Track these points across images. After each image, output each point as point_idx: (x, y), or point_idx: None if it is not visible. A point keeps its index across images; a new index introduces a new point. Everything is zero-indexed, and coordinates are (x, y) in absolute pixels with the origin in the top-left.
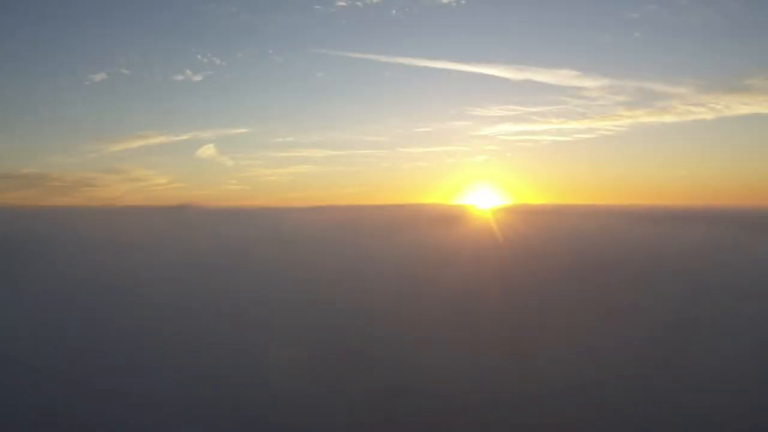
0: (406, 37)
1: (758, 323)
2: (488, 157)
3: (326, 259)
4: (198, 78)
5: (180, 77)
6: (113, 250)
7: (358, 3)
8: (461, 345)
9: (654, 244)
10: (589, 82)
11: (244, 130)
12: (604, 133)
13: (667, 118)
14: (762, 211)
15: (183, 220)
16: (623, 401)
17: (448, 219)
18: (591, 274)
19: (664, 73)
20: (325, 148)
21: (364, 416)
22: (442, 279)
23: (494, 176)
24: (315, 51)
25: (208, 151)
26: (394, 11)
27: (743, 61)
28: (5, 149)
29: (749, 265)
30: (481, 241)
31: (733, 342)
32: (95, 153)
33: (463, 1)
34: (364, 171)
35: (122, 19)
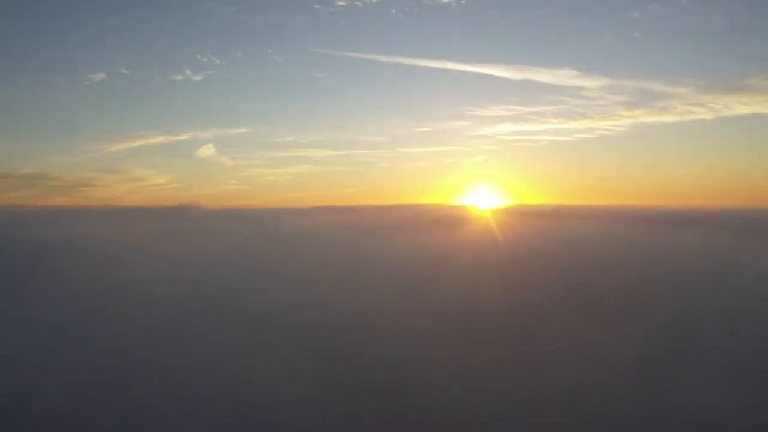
0: (406, 37)
1: (759, 325)
2: (487, 157)
3: (326, 260)
4: (198, 78)
5: (179, 77)
6: (113, 251)
7: (358, 3)
8: (462, 345)
9: (654, 245)
10: (588, 82)
11: (243, 130)
12: (604, 133)
13: (667, 118)
14: (762, 211)
15: (183, 220)
16: (623, 402)
17: (447, 220)
18: (591, 275)
19: (664, 73)
20: (325, 148)
21: (364, 416)
22: (443, 280)
23: (494, 176)
24: (315, 51)
25: (207, 151)
26: (394, 11)
27: (743, 61)
28: (5, 149)
29: (750, 267)
30: (481, 242)
31: (734, 345)
32: (95, 153)
33: (463, 1)
34: (364, 171)
35: (122, 19)
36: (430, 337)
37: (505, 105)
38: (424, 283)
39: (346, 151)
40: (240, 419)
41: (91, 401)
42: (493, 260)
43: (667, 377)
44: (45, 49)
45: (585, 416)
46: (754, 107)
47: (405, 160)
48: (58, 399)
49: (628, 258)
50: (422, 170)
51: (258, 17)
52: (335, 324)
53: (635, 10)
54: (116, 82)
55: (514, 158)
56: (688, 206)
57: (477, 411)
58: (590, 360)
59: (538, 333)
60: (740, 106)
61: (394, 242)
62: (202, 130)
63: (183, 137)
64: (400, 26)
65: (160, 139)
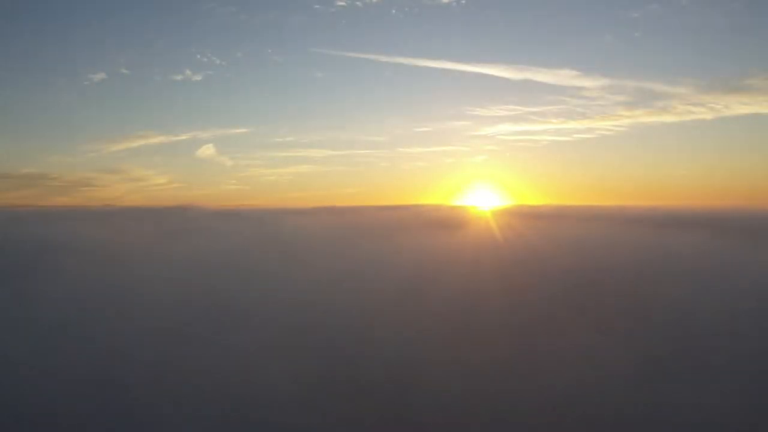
0: (406, 37)
1: (759, 328)
2: (487, 157)
3: (326, 260)
4: (197, 78)
5: (179, 77)
6: (113, 251)
7: (358, 3)
8: (462, 345)
9: (654, 246)
10: (588, 82)
11: (243, 130)
12: (604, 133)
13: (667, 118)
14: (763, 211)
15: (182, 220)
16: (623, 402)
17: (447, 220)
18: (590, 276)
19: (664, 73)
20: (325, 148)
21: (364, 416)
22: (442, 280)
23: (494, 176)
24: (315, 51)
25: (207, 151)
26: (394, 11)
27: (743, 61)
28: (5, 149)
29: (750, 269)
30: (481, 243)
31: (734, 346)
32: (95, 153)
33: (463, 1)
34: (364, 171)
35: (122, 19)
36: (430, 337)
37: (505, 105)
38: (423, 284)
39: (346, 151)
40: (240, 419)
41: (91, 401)
42: (492, 261)
43: (667, 378)
44: (45, 49)
45: (585, 417)
46: (754, 107)
47: (405, 160)
48: (58, 399)
49: (628, 259)
50: (422, 170)
51: (258, 17)
52: (335, 324)
53: (635, 10)
54: (116, 82)
55: (514, 158)
56: (688, 206)
57: (477, 411)
58: (590, 360)
59: (537, 333)
60: (740, 106)
61: (394, 243)
62: (202, 130)
63: (183, 137)
64: (400, 26)
65: (160, 139)
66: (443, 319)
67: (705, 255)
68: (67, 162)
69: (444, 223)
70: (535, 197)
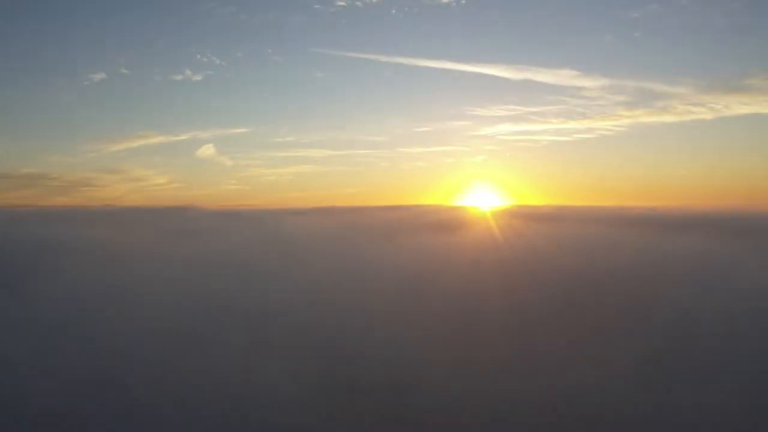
0: (406, 37)
1: (759, 329)
2: (487, 157)
3: (326, 261)
4: (198, 78)
5: (179, 77)
6: (113, 251)
7: (358, 3)
8: (461, 345)
9: (655, 248)
10: (589, 82)
11: (243, 130)
12: (604, 133)
13: (667, 118)
14: (762, 211)
15: (182, 221)
16: (623, 403)
17: (447, 221)
18: (590, 277)
19: (664, 73)
20: (325, 148)
21: (364, 416)
22: (442, 281)
23: (494, 176)
24: (315, 51)
25: (207, 151)
26: (394, 11)
27: (743, 61)
28: (5, 149)
29: (752, 272)
30: (481, 243)
31: (735, 349)
32: (95, 153)
33: (463, 1)
34: (364, 171)
35: (122, 19)
36: (430, 336)
37: (505, 105)
38: (424, 284)
39: (346, 151)
40: (240, 419)
41: (91, 401)
42: (492, 261)
43: (666, 378)
44: (45, 49)
45: (585, 417)
46: (754, 107)
47: (405, 160)
48: (58, 399)
49: (628, 260)
50: (422, 170)
51: (258, 17)
52: (335, 324)
53: (635, 10)
54: (116, 82)
55: (514, 158)
56: (688, 207)
57: (477, 411)
58: (590, 360)
59: (537, 334)
60: (740, 106)
61: (394, 243)
62: (202, 130)
63: (183, 137)
64: (400, 26)
65: (160, 139)
66: (443, 320)
67: (705, 256)
68: (67, 162)
69: (444, 223)
70: (535, 197)
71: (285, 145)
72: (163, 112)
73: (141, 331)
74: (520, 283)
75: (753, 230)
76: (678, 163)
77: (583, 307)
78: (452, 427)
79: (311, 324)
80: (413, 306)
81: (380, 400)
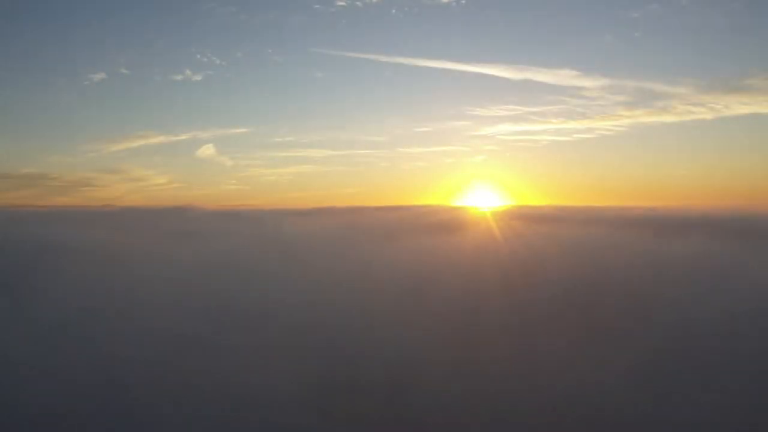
0: (406, 37)
1: (759, 329)
2: (487, 157)
3: (326, 262)
4: (198, 78)
5: (179, 77)
6: (113, 251)
7: (358, 3)
8: (461, 346)
9: (655, 250)
10: (589, 82)
11: (243, 130)
12: (604, 133)
13: (667, 118)
14: (763, 212)
15: (182, 221)
16: (623, 403)
17: (447, 221)
18: (590, 279)
19: (664, 73)
20: (325, 148)
21: (364, 416)
22: (443, 282)
23: (494, 176)
24: (315, 51)
25: (207, 151)
26: (394, 11)
27: (743, 61)
28: (5, 149)
29: (752, 273)
30: (481, 244)
31: (736, 356)
32: (95, 153)
33: (463, 1)
34: (364, 171)
35: (122, 19)
36: (430, 337)
37: (505, 105)
38: (424, 285)
39: (346, 151)
40: (240, 419)
41: (91, 401)
42: (492, 262)
43: (666, 379)
44: (45, 49)
45: (585, 418)
46: (754, 107)
47: (405, 160)
48: (58, 399)
49: (629, 262)
50: (422, 170)
51: (258, 17)
52: (335, 325)
53: (635, 10)
54: (116, 82)
55: (514, 158)
56: (689, 207)
57: (477, 411)
58: (590, 361)
59: (537, 334)
60: (740, 106)
61: (394, 244)
62: (202, 130)
63: (183, 137)
64: (400, 26)
65: (160, 139)
66: (443, 320)
67: (705, 257)
68: (67, 162)
69: (444, 224)
70: (535, 197)
71: (285, 145)
72: (163, 112)
73: (141, 331)
74: (519, 284)
75: (753, 231)
76: (678, 163)
77: (583, 307)
78: (452, 427)
79: (311, 324)
80: (413, 306)
81: (380, 400)
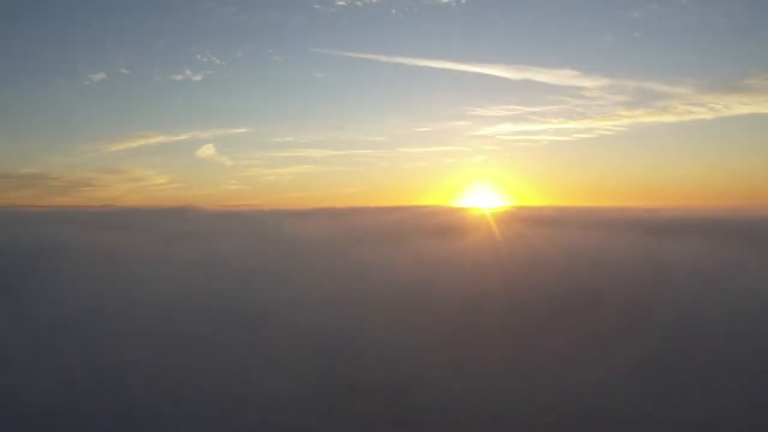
0: (406, 37)
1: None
2: (487, 157)
3: (326, 263)
4: (198, 78)
5: (179, 77)
6: (113, 251)
7: (358, 3)
8: (462, 347)
9: (656, 251)
10: (588, 82)
11: (243, 130)
12: (604, 133)
13: (667, 118)
14: (762, 213)
15: (182, 221)
16: (623, 404)
17: (447, 222)
18: (590, 282)
19: (664, 73)
20: (325, 148)
21: (364, 417)
22: (443, 283)
23: (494, 176)
24: (315, 51)
25: (207, 151)
26: (394, 11)
27: (743, 61)
28: (5, 149)
29: (754, 276)
30: (482, 246)
31: (733, 355)
32: (95, 153)
33: (463, 1)
34: (364, 171)
35: (122, 19)
36: (430, 337)
37: (505, 105)
38: (424, 286)
39: (346, 151)
40: (240, 419)
41: (91, 401)
42: (492, 264)
43: (666, 380)
44: (45, 49)
45: (585, 418)
46: (754, 107)
47: (405, 160)
48: (58, 399)
49: (629, 264)
50: (422, 170)
51: (258, 17)
52: (335, 325)
53: (635, 10)
54: (116, 82)
55: (514, 158)
56: (689, 207)
57: (477, 411)
58: (589, 363)
59: (537, 335)
60: (740, 106)
61: (394, 245)
62: (202, 130)
63: (183, 137)
64: (400, 26)
65: (160, 139)
66: (443, 321)
67: (705, 260)
68: (67, 162)
69: (444, 224)
70: (535, 197)
71: (285, 145)
72: (163, 112)
73: (141, 331)
74: (519, 286)
75: (754, 233)
76: (678, 163)
77: (583, 309)
78: (452, 428)
79: (311, 325)
80: (412, 307)
81: (380, 400)
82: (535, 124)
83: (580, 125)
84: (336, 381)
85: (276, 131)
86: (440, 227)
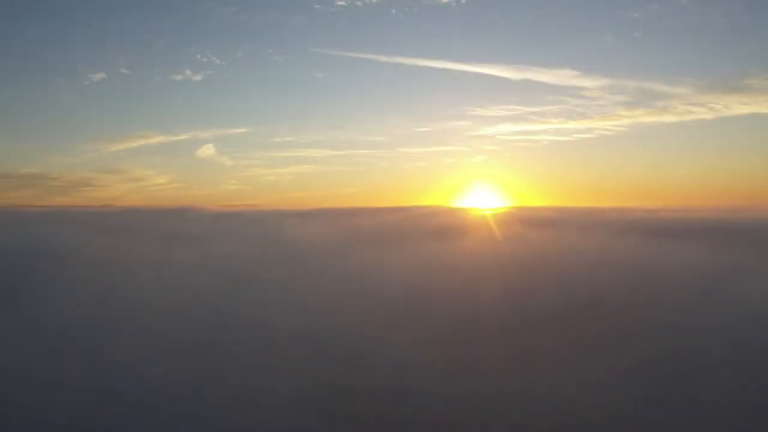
0: (406, 37)
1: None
2: (487, 158)
3: (326, 264)
4: (198, 78)
5: (179, 77)
6: (113, 252)
7: (358, 3)
8: (462, 347)
9: (656, 253)
10: (588, 82)
11: (243, 130)
12: (604, 133)
13: (667, 118)
14: (762, 212)
15: (182, 222)
16: (623, 404)
17: (447, 223)
18: (592, 283)
19: (664, 73)
20: (325, 148)
21: (364, 417)
22: (443, 285)
23: (494, 176)
24: (315, 51)
25: (207, 151)
26: (394, 11)
27: (743, 61)
28: (5, 149)
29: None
30: (482, 248)
31: (734, 360)
32: (95, 153)
33: (463, 1)
34: (364, 171)
35: (122, 19)
36: (430, 338)
37: (505, 105)
38: (424, 288)
39: (346, 151)
40: (240, 423)
41: (90, 403)
42: (493, 265)
43: (666, 380)
44: (45, 49)
45: (584, 418)
46: (754, 107)
47: (405, 160)
48: (57, 400)
49: (630, 266)
50: (422, 170)
51: (258, 17)
52: (335, 327)
53: (635, 10)
54: (116, 82)
55: (514, 158)
56: (689, 207)
57: (477, 412)
58: (590, 362)
59: (538, 336)
60: (740, 106)
61: (394, 247)
62: (202, 130)
63: (183, 137)
64: (400, 26)
65: (160, 139)
66: (443, 322)
67: (706, 261)
68: (67, 162)
69: (444, 225)
70: (535, 198)
71: (285, 145)
72: (163, 112)
73: (140, 332)
74: (518, 288)
75: (754, 233)
76: (678, 164)
77: (583, 312)
78: (452, 428)
79: (311, 327)
80: (413, 309)
81: (381, 402)
82: (535, 124)
83: (580, 125)
84: (336, 382)
85: (276, 131)
86: (440, 228)
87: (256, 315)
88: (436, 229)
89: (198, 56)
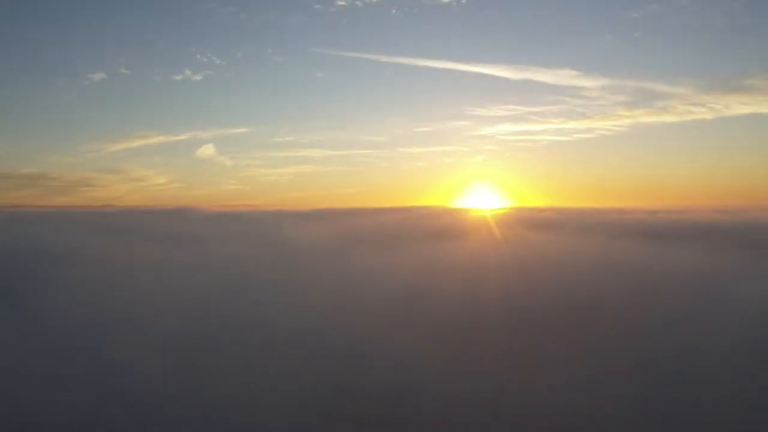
0: (406, 37)
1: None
2: (487, 158)
3: (326, 265)
4: (197, 78)
5: (179, 77)
6: (113, 252)
7: (358, 3)
8: (462, 348)
9: (657, 254)
10: (588, 82)
11: (243, 130)
12: (604, 133)
13: (667, 118)
14: (762, 212)
15: (182, 222)
16: (623, 405)
17: (448, 224)
18: (592, 284)
19: (664, 73)
20: (325, 148)
21: (364, 418)
22: (443, 286)
23: (494, 176)
24: (315, 51)
25: (207, 151)
26: (394, 11)
27: (743, 61)
28: (5, 149)
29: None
30: (482, 249)
31: (733, 360)
32: (95, 153)
33: (463, 1)
34: (364, 171)
35: (122, 19)
36: (430, 339)
37: (505, 105)
38: (424, 289)
39: (346, 151)
40: (240, 423)
41: (89, 404)
42: (493, 267)
43: (667, 381)
44: (45, 49)
45: (585, 418)
46: (754, 107)
47: (405, 160)
48: (57, 401)
49: (630, 269)
50: (422, 170)
51: (258, 17)
52: (336, 328)
53: (635, 10)
54: (116, 82)
55: (514, 158)
56: (689, 207)
57: (477, 413)
58: (590, 363)
59: (538, 337)
60: (740, 106)
61: (394, 248)
62: (202, 130)
63: (183, 137)
64: (400, 26)
65: (160, 139)
66: (443, 323)
67: (706, 262)
68: (67, 162)
69: (444, 226)
70: (535, 198)
71: (285, 145)
72: (163, 112)
73: (140, 333)
74: (518, 289)
75: (755, 233)
76: (678, 164)
77: (583, 313)
78: (453, 429)
79: (311, 328)
80: (413, 310)
81: (381, 403)
82: (535, 124)
83: (580, 125)
84: (336, 382)
85: (276, 131)
86: (440, 229)
87: (256, 315)
88: (436, 229)
89: (198, 56)
